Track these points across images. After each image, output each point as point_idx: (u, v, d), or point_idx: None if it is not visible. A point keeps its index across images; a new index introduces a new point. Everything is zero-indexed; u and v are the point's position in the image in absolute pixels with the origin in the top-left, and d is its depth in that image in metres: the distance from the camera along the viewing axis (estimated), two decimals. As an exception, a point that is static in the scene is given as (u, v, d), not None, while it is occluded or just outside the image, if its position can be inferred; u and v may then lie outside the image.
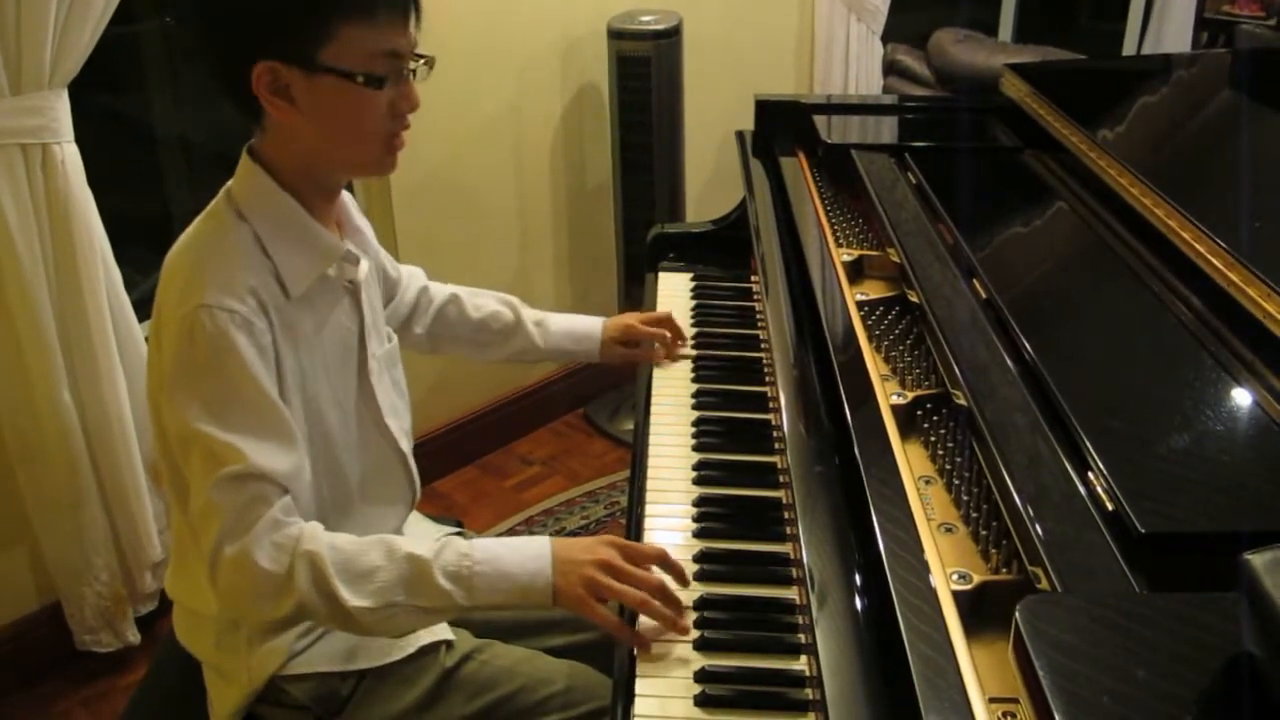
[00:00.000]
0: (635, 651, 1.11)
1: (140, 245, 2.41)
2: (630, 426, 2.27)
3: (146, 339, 2.10)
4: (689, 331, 1.73)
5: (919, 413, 1.19)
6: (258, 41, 1.11)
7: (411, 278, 1.58)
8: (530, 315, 1.64)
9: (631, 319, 1.68)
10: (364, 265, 1.28)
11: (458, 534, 1.50)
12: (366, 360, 1.28)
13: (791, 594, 1.17)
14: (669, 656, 1.11)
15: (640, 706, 1.05)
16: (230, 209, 1.18)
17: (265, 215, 1.18)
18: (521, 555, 1.14)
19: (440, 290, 1.61)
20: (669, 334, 1.67)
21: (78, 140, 1.93)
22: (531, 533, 2.66)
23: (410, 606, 1.11)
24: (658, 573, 1.16)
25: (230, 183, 1.21)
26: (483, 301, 1.62)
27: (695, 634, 1.13)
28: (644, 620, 1.13)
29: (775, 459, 1.39)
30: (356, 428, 1.27)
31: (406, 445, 1.35)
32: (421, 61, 1.18)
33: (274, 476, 1.10)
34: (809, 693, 1.04)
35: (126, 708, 1.42)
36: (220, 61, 1.15)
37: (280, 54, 1.11)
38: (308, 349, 1.19)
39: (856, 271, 1.53)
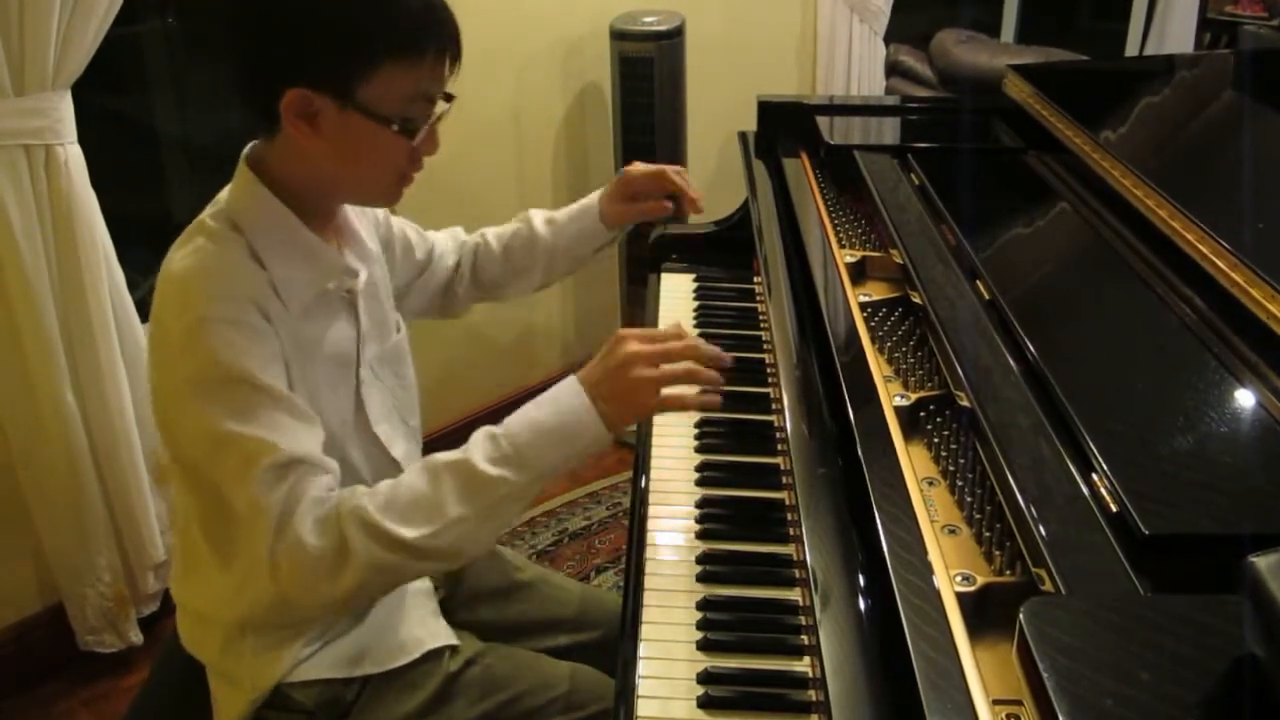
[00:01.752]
0: (640, 650, 1.12)
1: (143, 246, 2.41)
2: (633, 427, 2.27)
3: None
4: (691, 333, 1.72)
5: (922, 414, 1.19)
6: (299, 67, 1.09)
7: (450, 239, 1.57)
8: (541, 218, 1.59)
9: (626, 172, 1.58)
10: (363, 276, 1.26)
11: None
12: (359, 368, 1.26)
13: (794, 595, 1.17)
14: (671, 657, 1.11)
15: (643, 708, 1.05)
16: (224, 221, 1.15)
17: (262, 229, 1.16)
18: (554, 403, 1.11)
19: (471, 240, 1.59)
20: (673, 179, 1.55)
21: (81, 141, 1.94)
22: (534, 533, 2.66)
23: (472, 513, 1.06)
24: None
25: (224, 192, 1.20)
26: (504, 230, 1.60)
27: (698, 635, 1.13)
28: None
29: (778, 460, 1.39)
30: (353, 435, 1.26)
31: (402, 450, 1.32)
32: (448, 102, 1.17)
33: (310, 459, 1.09)
34: (812, 694, 1.04)
35: (129, 709, 1.42)
36: (251, 76, 1.13)
37: (318, 83, 1.09)
38: (309, 360, 1.18)
39: (859, 272, 1.53)
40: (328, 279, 1.21)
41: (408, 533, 1.04)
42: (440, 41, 1.13)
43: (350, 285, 1.25)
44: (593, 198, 1.59)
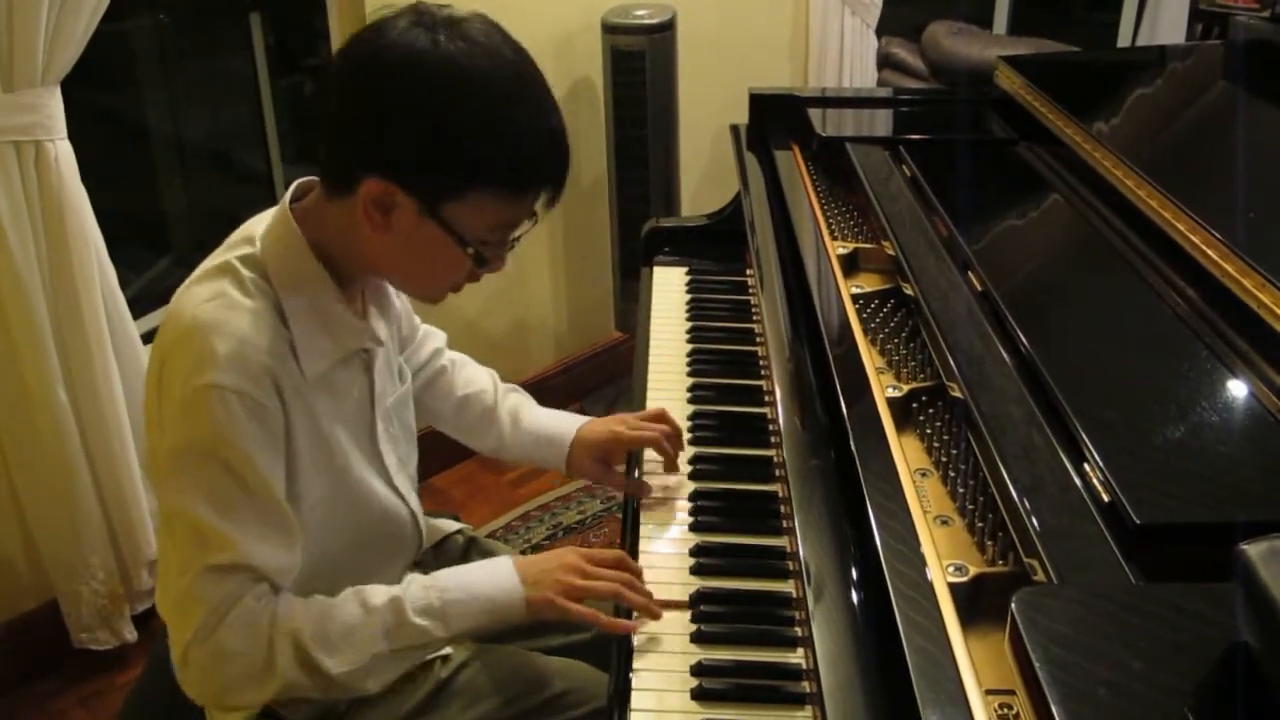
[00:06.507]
0: (633, 644, 1.12)
1: (135, 242, 2.41)
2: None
3: (144, 337, 2.11)
4: (684, 325, 1.72)
5: (914, 405, 1.19)
6: (398, 165, 1.04)
7: (428, 337, 1.49)
8: (509, 403, 1.47)
9: (618, 424, 1.42)
10: (384, 336, 1.24)
11: (457, 532, 1.49)
12: (375, 423, 1.24)
13: (788, 587, 1.17)
14: (665, 650, 1.12)
15: (637, 701, 1.06)
16: (256, 269, 1.10)
17: (293, 287, 1.11)
18: (487, 573, 1.17)
19: (446, 356, 1.50)
20: (662, 437, 1.39)
21: (71, 137, 1.93)
22: (528, 528, 2.66)
23: (390, 653, 1.11)
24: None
25: (254, 225, 1.15)
26: (475, 375, 1.50)
27: (692, 627, 1.13)
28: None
29: (771, 453, 1.39)
30: (369, 490, 1.24)
31: (414, 498, 1.32)
32: (530, 224, 1.13)
33: (262, 571, 1.08)
34: (806, 685, 1.04)
35: (123, 705, 1.42)
36: (346, 151, 1.08)
37: (409, 185, 1.05)
38: (325, 423, 1.15)
39: (851, 264, 1.53)
40: (350, 346, 1.17)
41: (333, 666, 1.09)
42: (548, 184, 1.10)
43: (368, 346, 1.21)
44: (565, 432, 1.44)
